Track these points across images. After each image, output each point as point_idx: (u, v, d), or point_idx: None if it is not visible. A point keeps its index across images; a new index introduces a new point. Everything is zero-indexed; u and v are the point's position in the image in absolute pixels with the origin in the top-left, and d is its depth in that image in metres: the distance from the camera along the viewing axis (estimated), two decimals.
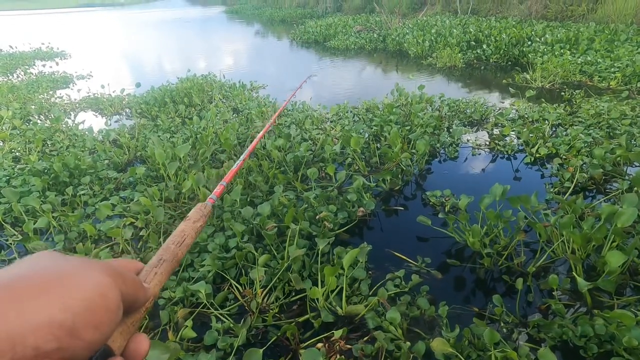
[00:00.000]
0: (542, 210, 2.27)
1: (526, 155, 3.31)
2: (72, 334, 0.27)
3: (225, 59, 10.53)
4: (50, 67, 9.41)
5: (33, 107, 5.29)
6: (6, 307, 0.26)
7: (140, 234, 2.52)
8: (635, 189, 2.48)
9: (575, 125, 3.76)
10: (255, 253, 2.16)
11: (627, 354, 1.50)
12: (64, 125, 4.41)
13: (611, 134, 3.56)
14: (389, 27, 11.07)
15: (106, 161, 3.50)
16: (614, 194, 2.66)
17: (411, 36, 9.25)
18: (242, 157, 1.24)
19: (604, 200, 2.61)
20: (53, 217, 2.62)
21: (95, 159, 3.44)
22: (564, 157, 3.15)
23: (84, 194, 2.93)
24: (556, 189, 2.76)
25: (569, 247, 2.06)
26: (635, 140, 3.36)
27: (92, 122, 5.06)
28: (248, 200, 2.86)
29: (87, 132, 4.11)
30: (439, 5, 13.64)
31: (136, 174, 3.06)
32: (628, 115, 3.84)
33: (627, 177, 2.79)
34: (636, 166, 3.01)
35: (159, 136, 4.04)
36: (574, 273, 1.91)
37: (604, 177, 2.87)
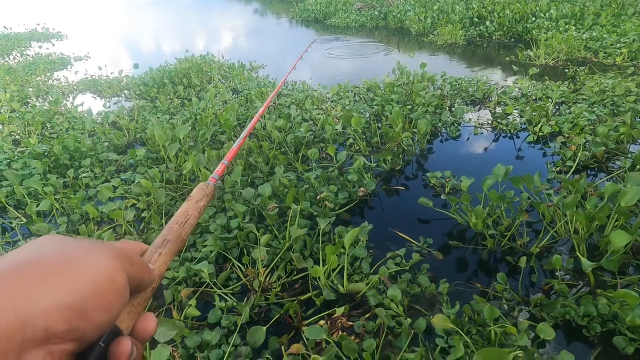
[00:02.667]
0: (544, 190, 2.26)
1: (529, 134, 3.28)
2: (81, 315, 0.28)
3: (224, 39, 10.36)
4: (47, 48, 9.29)
5: (31, 89, 5.24)
6: (16, 290, 0.26)
7: (142, 215, 2.53)
8: (639, 167, 2.46)
9: (579, 103, 3.71)
10: (257, 233, 2.16)
11: (630, 332, 1.52)
12: (62, 108, 4.38)
13: (615, 111, 3.51)
14: (390, 4, 10.82)
15: (106, 143, 3.49)
16: (616, 172, 2.64)
17: (413, 13, 9.05)
18: (243, 135, 1.23)
19: (607, 179, 2.60)
20: (55, 199, 2.63)
21: (95, 142, 3.42)
22: (567, 135, 3.12)
23: (85, 177, 2.93)
24: (558, 168, 2.74)
25: (572, 227, 2.06)
26: (639, 118, 3.32)
27: (91, 104, 5.02)
28: (249, 181, 2.86)
29: (86, 115, 4.08)
30: None
31: (136, 155, 3.05)
32: (633, 91, 3.78)
33: (630, 155, 2.77)
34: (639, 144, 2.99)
35: (158, 118, 4.00)
36: (577, 253, 1.91)
37: (606, 156, 2.84)
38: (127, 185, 2.82)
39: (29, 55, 8.16)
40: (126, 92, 5.41)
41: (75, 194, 2.74)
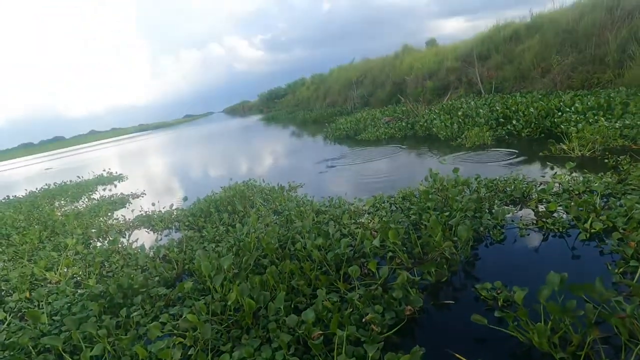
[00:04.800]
0: (612, 298, 2.04)
1: (580, 232, 3.11)
2: None
3: (265, 161, 11.26)
4: (110, 190, 10.44)
5: (93, 230, 5.76)
6: None
7: (189, 353, 2.50)
8: None
9: (629, 194, 3.53)
10: None
11: None
12: (119, 246, 4.72)
13: None
14: (416, 114, 11.55)
15: (157, 278, 3.65)
16: None
17: (439, 120, 9.55)
18: None
19: None
20: (108, 341, 2.69)
21: (147, 277, 3.60)
22: (623, 230, 2.92)
23: (136, 315, 3.02)
24: (621, 269, 2.51)
25: None
26: None
27: (145, 238, 5.40)
28: (292, 306, 2.82)
29: (139, 250, 4.36)
30: (462, 89, 14.23)
31: (184, 288, 3.14)
32: None
33: None
34: None
35: (204, 247, 4.21)
36: None
37: None
38: (175, 321, 2.86)
39: (95, 199, 9.15)
40: (176, 223, 5.80)
41: (126, 334, 2.79)
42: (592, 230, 3.06)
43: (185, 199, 6.30)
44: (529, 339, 2.02)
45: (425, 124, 10.00)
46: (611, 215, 3.15)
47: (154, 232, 5.70)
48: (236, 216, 5.32)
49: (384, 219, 4.05)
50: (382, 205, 4.62)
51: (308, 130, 17.86)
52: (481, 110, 9.00)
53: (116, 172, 13.53)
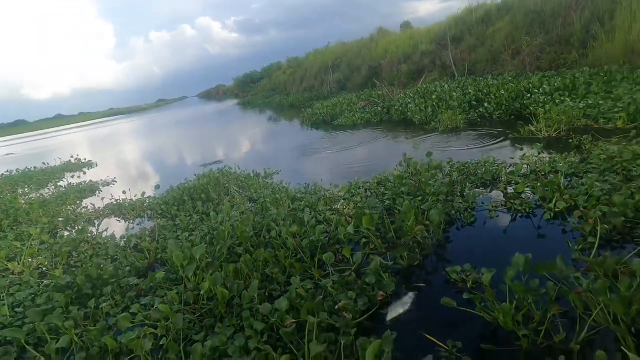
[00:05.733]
0: (572, 275, 2.13)
1: (545, 211, 3.21)
2: None
3: (242, 148, 11.10)
4: (79, 177, 10.08)
5: (61, 219, 5.56)
6: None
7: (161, 343, 2.47)
8: None
9: (590, 173, 3.67)
10: (275, 354, 2.07)
11: None
12: (89, 235, 4.58)
13: (628, 176, 3.45)
14: (391, 98, 11.56)
15: (127, 268, 3.57)
16: None
17: (414, 105, 9.60)
18: None
19: (636, 254, 2.45)
20: (75, 333, 2.62)
21: (117, 267, 3.50)
22: (583, 208, 3.04)
23: (105, 305, 2.95)
24: (581, 246, 2.62)
25: (610, 314, 1.90)
26: None
27: (116, 227, 5.26)
28: (266, 294, 2.82)
29: (109, 240, 4.25)
30: (436, 72, 14.32)
31: (156, 279, 3.08)
32: None
33: None
34: None
35: (177, 236, 4.13)
36: (622, 347, 1.74)
37: (628, 226, 2.72)
38: (147, 311, 2.81)
39: (62, 186, 8.81)
40: (149, 212, 5.66)
41: (95, 325, 2.73)
42: (557, 210, 3.17)
43: (157, 187, 6.16)
44: (495, 319, 2.09)
45: (401, 108, 10.04)
46: (574, 194, 3.27)
47: (125, 221, 5.56)
48: (211, 204, 5.23)
49: (359, 204, 4.07)
50: (358, 191, 4.64)
51: (285, 116, 17.67)
52: (454, 94, 9.10)
53: (85, 159, 13.03)
